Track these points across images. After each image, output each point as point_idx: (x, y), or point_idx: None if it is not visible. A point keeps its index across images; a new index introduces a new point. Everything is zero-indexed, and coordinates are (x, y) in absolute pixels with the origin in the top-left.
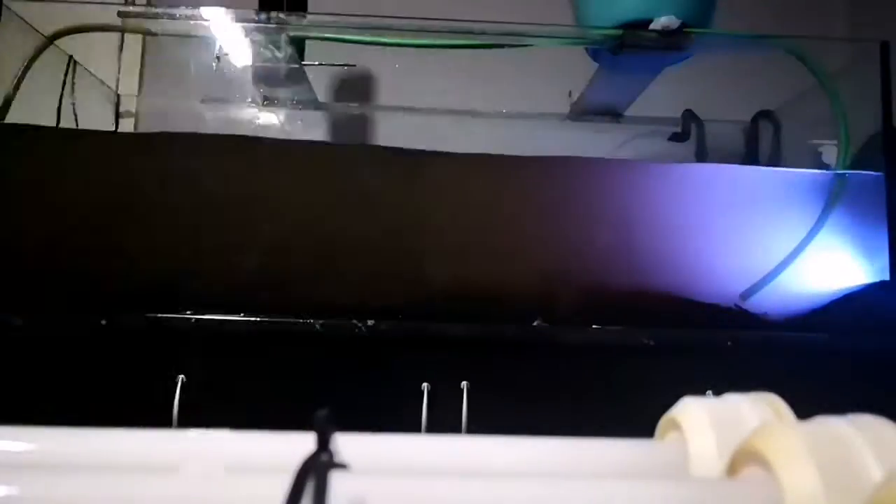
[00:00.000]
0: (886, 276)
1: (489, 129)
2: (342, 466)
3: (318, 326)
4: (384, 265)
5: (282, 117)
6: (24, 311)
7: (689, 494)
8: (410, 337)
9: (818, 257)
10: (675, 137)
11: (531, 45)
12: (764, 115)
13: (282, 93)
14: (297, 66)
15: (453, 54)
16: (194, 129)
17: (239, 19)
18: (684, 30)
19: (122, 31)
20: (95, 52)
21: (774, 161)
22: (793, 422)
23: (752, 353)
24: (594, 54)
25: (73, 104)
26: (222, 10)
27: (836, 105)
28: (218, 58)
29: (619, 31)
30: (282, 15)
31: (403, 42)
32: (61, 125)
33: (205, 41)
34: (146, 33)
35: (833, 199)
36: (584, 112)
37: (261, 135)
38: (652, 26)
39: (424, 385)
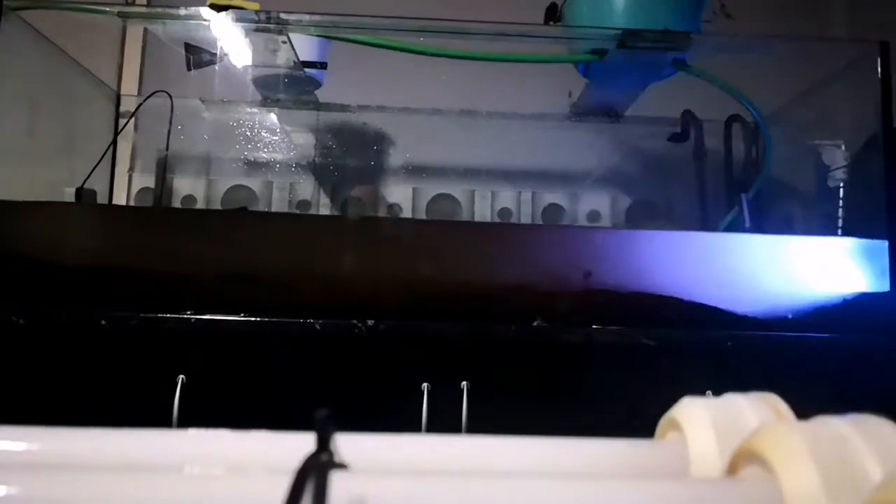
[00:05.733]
0: (886, 278)
1: (490, 129)
2: (342, 466)
3: (317, 326)
4: None
5: (281, 117)
6: (25, 311)
7: (689, 494)
8: (410, 337)
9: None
10: (675, 138)
11: (526, 61)
12: (735, 118)
13: (281, 93)
14: (295, 64)
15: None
16: (194, 128)
17: (239, 19)
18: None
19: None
20: (95, 52)
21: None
22: (793, 422)
23: (752, 353)
24: (583, 71)
25: None
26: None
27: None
28: (219, 57)
29: (617, 31)
30: (282, 15)
31: (405, 47)
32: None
33: (205, 41)
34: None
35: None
36: (583, 112)
37: (260, 134)
38: None
39: (424, 385)
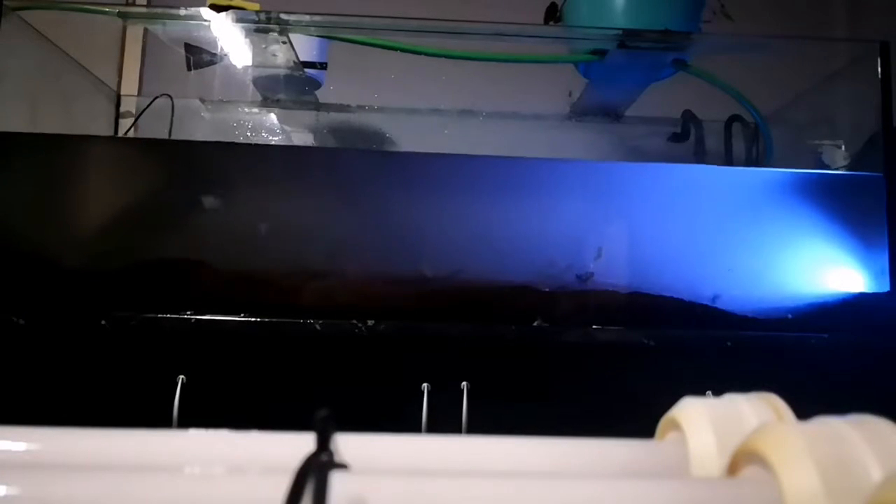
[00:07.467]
0: (886, 278)
1: (490, 129)
2: (342, 466)
3: (318, 326)
4: None
5: (281, 117)
6: (25, 311)
7: (689, 494)
8: (410, 337)
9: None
10: (675, 138)
11: (526, 62)
12: (735, 118)
13: (281, 93)
14: (295, 64)
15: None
16: (194, 128)
17: (239, 19)
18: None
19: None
20: (95, 52)
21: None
22: (793, 422)
23: (751, 353)
24: (583, 71)
25: None
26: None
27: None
28: (220, 57)
29: (617, 31)
30: (282, 15)
31: (405, 47)
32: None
33: (205, 41)
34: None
35: None
36: (583, 112)
37: (260, 134)
38: None
39: (424, 385)
